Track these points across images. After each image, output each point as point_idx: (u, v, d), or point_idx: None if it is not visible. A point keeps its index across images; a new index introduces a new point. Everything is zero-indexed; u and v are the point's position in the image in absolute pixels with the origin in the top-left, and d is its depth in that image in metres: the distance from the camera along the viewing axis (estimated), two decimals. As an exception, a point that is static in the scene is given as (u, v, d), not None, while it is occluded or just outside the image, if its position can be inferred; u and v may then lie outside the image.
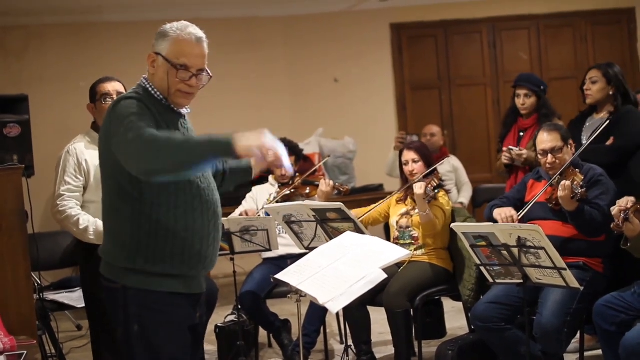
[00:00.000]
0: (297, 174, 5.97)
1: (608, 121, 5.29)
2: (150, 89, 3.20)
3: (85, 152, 4.62)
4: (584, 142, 5.43)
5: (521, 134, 6.05)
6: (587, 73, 5.66)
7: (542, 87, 6.05)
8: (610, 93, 5.50)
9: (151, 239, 3.11)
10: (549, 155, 4.89)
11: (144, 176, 2.97)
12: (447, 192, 5.55)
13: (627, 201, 4.19)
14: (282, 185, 5.94)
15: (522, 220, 4.76)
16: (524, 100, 6.00)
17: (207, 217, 3.21)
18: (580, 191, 4.57)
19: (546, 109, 5.98)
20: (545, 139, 4.93)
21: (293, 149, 6.01)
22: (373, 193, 8.19)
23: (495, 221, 4.81)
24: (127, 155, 2.97)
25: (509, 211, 4.85)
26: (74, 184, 4.57)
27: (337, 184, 5.73)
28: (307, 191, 5.81)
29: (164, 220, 3.10)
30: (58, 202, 4.57)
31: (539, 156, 5.00)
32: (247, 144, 2.91)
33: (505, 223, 4.67)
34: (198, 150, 2.92)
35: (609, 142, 5.36)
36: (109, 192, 3.18)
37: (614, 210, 4.18)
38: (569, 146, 4.94)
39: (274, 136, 3.04)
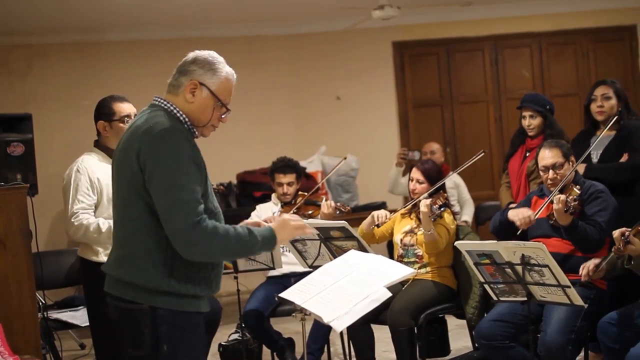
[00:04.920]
0: (300, 193, 5.96)
1: (616, 137, 5.31)
2: (181, 118, 3.20)
3: (97, 170, 4.58)
4: (594, 160, 5.42)
5: (527, 154, 6.00)
6: (593, 90, 5.60)
7: (547, 107, 5.96)
8: (619, 109, 5.49)
9: (186, 263, 3.12)
10: (550, 171, 4.90)
11: (186, 256, 3.09)
12: (455, 213, 5.55)
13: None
14: (284, 205, 5.93)
15: (525, 238, 4.76)
16: (530, 122, 5.92)
17: None
18: (573, 204, 4.59)
19: (551, 130, 5.85)
20: (547, 155, 4.94)
21: (294, 166, 6.00)
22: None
23: (506, 226, 4.88)
24: (176, 235, 3.04)
25: (526, 211, 4.86)
26: (88, 203, 4.53)
27: (338, 204, 5.71)
28: (310, 212, 5.79)
29: None
30: (73, 220, 4.51)
31: (541, 172, 5.01)
32: (285, 238, 3.26)
33: (523, 220, 4.75)
34: (247, 250, 3.23)
35: (623, 159, 5.36)
36: (139, 212, 3.12)
37: (615, 234, 4.19)
38: (570, 163, 4.95)
39: (299, 221, 3.34)
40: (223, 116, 3.28)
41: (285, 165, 5.96)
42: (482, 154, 5.38)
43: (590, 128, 5.64)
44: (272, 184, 6.05)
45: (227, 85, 3.26)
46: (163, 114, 3.17)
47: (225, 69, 3.26)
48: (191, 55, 3.27)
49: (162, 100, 3.23)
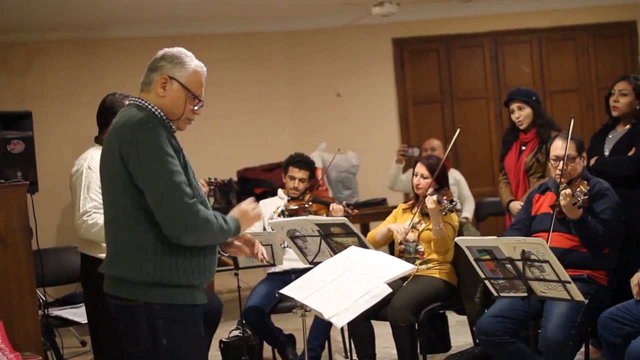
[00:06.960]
0: (307, 191, 6.00)
1: (628, 132, 5.31)
2: (156, 112, 3.26)
3: None
4: (606, 154, 5.41)
5: (523, 148, 5.99)
6: (614, 84, 5.55)
7: (534, 98, 5.98)
8: (637, 107, 5.43)
9: (177, 252, 3.17)
10: (561, 162, 4.87)
11: (175, 239, 3.14)
12: (459, 211, 5.55)
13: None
14: (291, 199, 5.95)
15: (528, 234, 4.77)
16: (519, 114, 5.93)
17: None
18: (582, 198, 4.58)
19: (542, 119, 5.91)
20: (560, 146, 4.92)
21: (309, 164, 6.04)
22: (376, 207, 8.19)
23: None
24: (174, 219, 3.09)
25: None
26: (99, 201, 4.38)
27: (346, 207, 5.73)
28: (314, 209, 5.82)
29: None
30: (85, 218, 4.47)
31: (552, 162, 5.00)
32: (245, 227, 3.40)
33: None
34: (226, 236, 3.30)
35: (630, 153, 5.34)
36: (126, 207, 3.17)
37: (634, 281, 4.31)
38: (582, 158, 4.94)
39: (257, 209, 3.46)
40: (196, 108, 3.35)
41: (302, 161, 6.00)
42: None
43: (610, 123, 5.60)
44: (283, 176, 6.07)
45: (197, 78, 3.34)
46: (135, 109, 3.25)
47: (194, 62, 3.35)
48: (160, 52, 3.39)
49: (136, 99, 3.32)
